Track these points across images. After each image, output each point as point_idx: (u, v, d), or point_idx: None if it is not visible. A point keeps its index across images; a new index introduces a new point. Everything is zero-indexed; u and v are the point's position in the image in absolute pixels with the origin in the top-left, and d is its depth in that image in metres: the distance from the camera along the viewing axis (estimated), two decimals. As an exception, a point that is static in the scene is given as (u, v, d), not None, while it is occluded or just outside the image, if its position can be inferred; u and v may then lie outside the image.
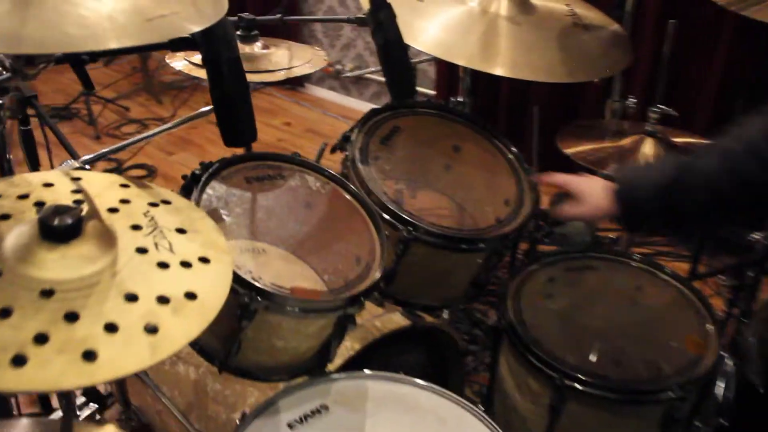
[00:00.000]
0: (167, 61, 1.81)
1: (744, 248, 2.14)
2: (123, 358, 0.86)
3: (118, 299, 0.93)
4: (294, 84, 5.72)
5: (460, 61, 1.76)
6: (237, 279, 1.29)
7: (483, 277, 1.80)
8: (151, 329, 0.91)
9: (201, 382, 1.87)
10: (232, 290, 1.28)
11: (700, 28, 3.08)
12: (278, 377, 1.51)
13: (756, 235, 2.21)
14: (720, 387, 1.87)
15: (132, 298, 0.94)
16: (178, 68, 1.78)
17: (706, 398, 1.75)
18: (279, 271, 1.51)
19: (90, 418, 1.56)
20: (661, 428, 1.67)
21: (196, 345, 1.47)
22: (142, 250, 1.02)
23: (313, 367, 1.52)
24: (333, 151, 1.79)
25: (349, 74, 3.50)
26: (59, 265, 0.95)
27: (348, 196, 1.60)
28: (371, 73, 3.75)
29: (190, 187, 1.43)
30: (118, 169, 4.42)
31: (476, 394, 2.60)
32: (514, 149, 1.89)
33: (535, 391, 1.73)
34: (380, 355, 1.91)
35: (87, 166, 1.51)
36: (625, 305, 1.92)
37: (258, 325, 1.34)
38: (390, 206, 1.63)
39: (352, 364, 1.76)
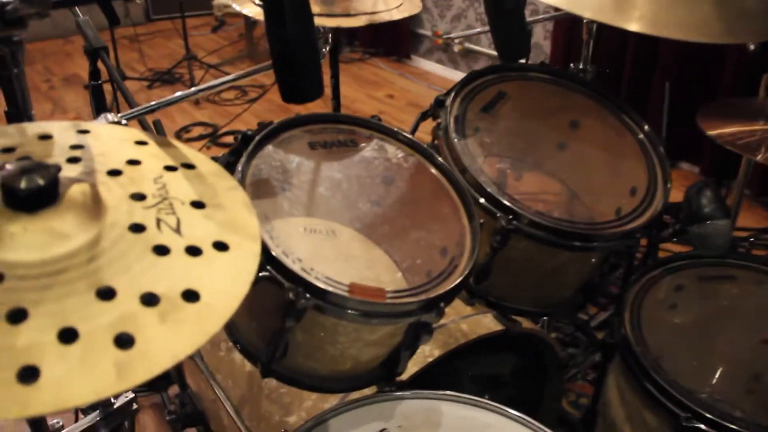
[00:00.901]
0: (233, 5, 1.55)
1: None
2: (74, 381, 0.60)
3: (88, 294, 0.67)
4: (400, 56, 5.45)
5: (587, 14, 1.42)
6: (282, 269, 1.02)
7: (596, 282, 1.47)
8: (124, 341, 0.64)
9: (256, 375, 1.62)
10: (277, 282, 1.02)
11: None
12: (335, 387, 1.24)
13: None
14: None
15: (107, 294, 0.67)
16: (244, 12, 1.52)
17: None
18: (348, 259, 1.22)
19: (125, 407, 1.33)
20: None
21: (237, 342, 1.21)
22: (137, 228, 0.75)
23: (379, 378, 1.24)
24: (424, 118, 1.50)
25: (451, 36, 3.16)
26: (18, 241, 0.70)
27: (436, 172, 1.30)
28: (478, 34, 3.41)
29: (239, 151, 1.16)
30: (213, 135, 4.29)
31: (572, 406, 2.27)
32: (646, 128, 1.54)
33: (652, 427, 1.40)
34: (465, 363, 1.62)
35: (124, 121, 1.28)
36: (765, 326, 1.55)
37: (307, 326, 1.07)
38: (488, 188, 1.32)
39: (430, 373, 1.47)
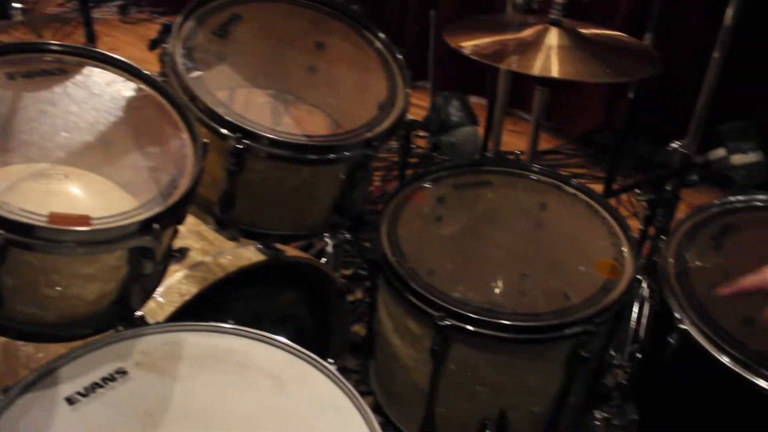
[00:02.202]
0: None
1: (662, 162, 1.86)
2: None
3: None
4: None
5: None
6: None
7: (348, 198, 1.45)
8: None
9: (10, 345, 1.50)
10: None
11: None
12: (69, 334, 1.15)
13: (674, 144, 1.93)
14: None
15: None
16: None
17: (620, 327, 1.48)
18: (53, 192, 1.10)
19: None
20: (568, 367, 1.38)
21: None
22: None
23: (116, 318, 1.16)
24: (154, 46, 1.41)
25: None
26: None
27: (157, 97, 1.22)
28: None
29: None
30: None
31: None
32: (382, 35, 1.53)
33: (415, 334, 1.42)
34: (233, 301, 1.57)
35: None
36: (528, 227, 1.61)
37: (13, 268, 0.98)
38: (216, 109, 1.26)
39: (191, 314, 1.41)
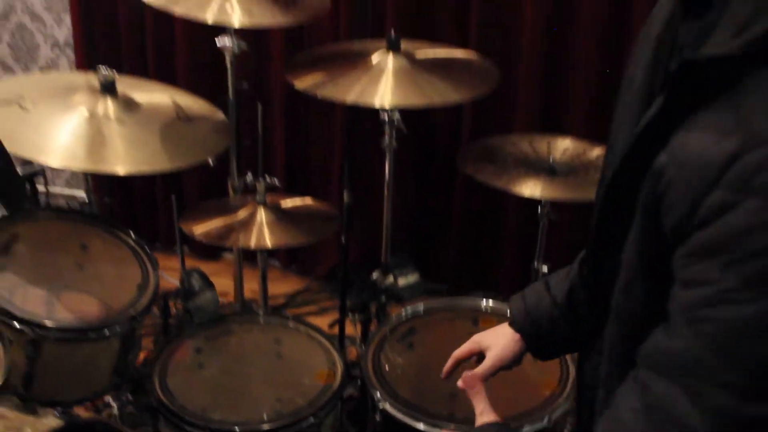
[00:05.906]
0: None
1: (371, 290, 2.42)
2: None
3: None
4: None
5: (76, 165, 1.89)
6: None
7: (124, 362, 1.90)
8: None
9: None
10: None
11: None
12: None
13: (374, 275, 2.52)
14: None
15: None
16: None
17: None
18: None
19: None
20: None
21: None
22: None
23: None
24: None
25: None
26: None
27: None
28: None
29: None
30: None
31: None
32: (132, 234, 2.03)
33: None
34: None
35: None
36: (270, 358, 2.10)
37: None
38: (6, 307, 1.67)
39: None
